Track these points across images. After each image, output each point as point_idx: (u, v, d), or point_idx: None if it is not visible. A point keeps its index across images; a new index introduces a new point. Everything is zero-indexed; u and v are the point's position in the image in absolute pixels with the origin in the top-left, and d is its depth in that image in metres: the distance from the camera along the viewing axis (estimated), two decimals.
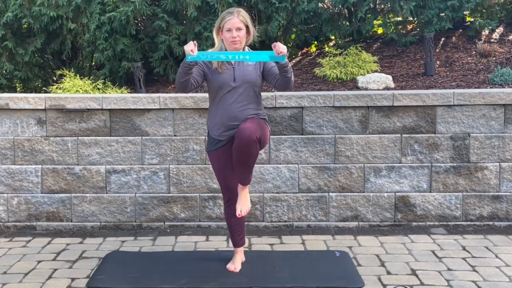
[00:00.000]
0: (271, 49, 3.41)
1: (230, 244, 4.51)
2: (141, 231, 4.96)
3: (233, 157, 3.66)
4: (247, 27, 3.64)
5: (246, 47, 3.73)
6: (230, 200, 3.83)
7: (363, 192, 4.93)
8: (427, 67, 6.08)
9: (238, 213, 3.74)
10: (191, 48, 3.39)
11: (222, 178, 3.83)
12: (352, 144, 4.90)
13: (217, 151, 3.75)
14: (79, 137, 4.95)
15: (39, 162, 4.97)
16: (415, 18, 7.14)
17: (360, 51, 6.43)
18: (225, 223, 4.96)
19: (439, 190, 4.91)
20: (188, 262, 4.10)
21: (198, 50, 3.45)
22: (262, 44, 6.68)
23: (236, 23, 3.58)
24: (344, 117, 4.88)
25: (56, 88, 6.07)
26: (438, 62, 6.43)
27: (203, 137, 4.91)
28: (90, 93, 5.85)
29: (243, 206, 3.75)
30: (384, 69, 6.40)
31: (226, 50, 3.65)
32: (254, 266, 3.98)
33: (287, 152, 4.92)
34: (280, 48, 3.37)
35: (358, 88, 5.75)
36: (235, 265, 3.91)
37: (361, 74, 6.00)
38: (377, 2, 7.20)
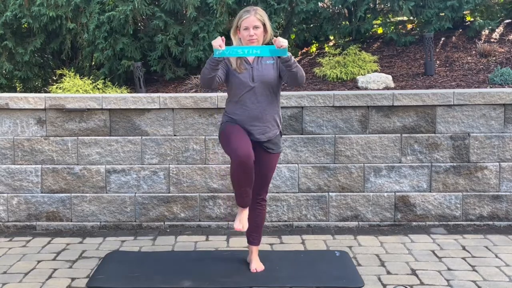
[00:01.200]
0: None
1: (230, 244, 4.52)
2: (141, 231, 4.95)
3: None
4: (264, 25, 3.63)
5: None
6: (237, 159, 3.55)
7: (363, 192, 4.93)
8: (427, 67, 6.08)
9: (252, 270, 3.88)
10: (219, 43, 3.38)
11: (236, 139, 3.57)
12: (352, 144, 4.90)
13: (233, 125, 3.67)
14: (79, 137, 4.95)
15: (39, 162, 4.96)
16: (415, 18, 7.14)
17: (360, 51, 6.43)
18: (225, 222, 4.97)
19: (439, 190, 4.91)
20: (188, 262, 4.10)
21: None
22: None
23: (253, 21, 3.58)
24: (344, 117, 4.88)
25: (56, 88, 6.06)
26: (438, 62, 6.43)
27: (203, 137, 4.91)
28: (90, 93, 5.85)
29: (257, 266, 3.90)
30: (384, 69, 6.40)
31: None
32: None
33: (287, 151, 4.91)
34: (281, 42, 3.37)
35: (358, 88, 5.75)
36: (242, 224, 3.71)
37: (361, 74, 6.00)
38: (377, 2, 7.20)
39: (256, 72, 3.63)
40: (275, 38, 3.41)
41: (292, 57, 3.49)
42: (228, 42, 3.47)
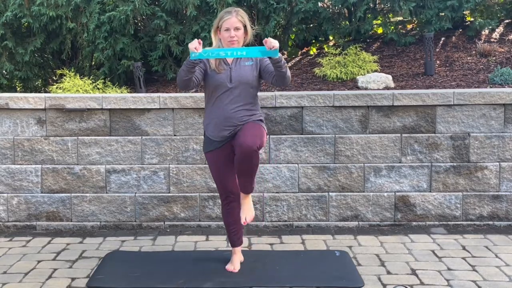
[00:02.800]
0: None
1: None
2: (141, 230, 4.95)
3: (235, 167, 3.68)
4: (245, 26, 3.64)
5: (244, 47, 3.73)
6: (227, 199, 3.83)
7: (363, 191, 4.93)
8: (427, 67, 6.08)
9: (243, 221, 3.77)
10: (195, 45, 3.38)
11: (219, 179, 3.82)
12: (352, 144, 4.89)
13: (213, 152, 3.75)
14: (79, 137, 4.95)
15: (39, 162, 4.96)
16: (415, 18, 7.13)
17: (360, 51, 6.43)
18: None
19: (439, 189, 4.91)
20: (188, 262, 4.10)
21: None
22: (261, 43, 6.69)
23: (234, 23, 3.58)
24: (344, 117, 4.88)
25: (56, 87, 6.06)
26: (438, 62, 6.44)
27: (203, 137, 4.90)
28: (90, 92, 5.85)
29: (247, 214, 3.78)
30: (384, 68, 6.40)
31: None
32: (254, 266, 3.98)
33: (287, 151, 4.91)
34: (272, 42, 3.36)
35: (358, 88, 5.75)
36: (234, 265, 3.91)
37: (361, 74, 6.00)
38: (377, 2, 7.20)
39: (235, 73, 3.63)
40: (266, 39, 3.39)
41: (282, 58, 3.50)
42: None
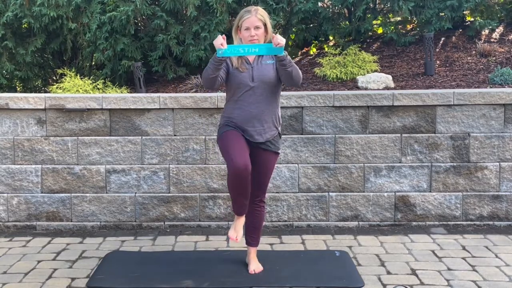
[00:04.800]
0: None
1: (230, 244, 4.52)
2: (141, 231, 4.96)
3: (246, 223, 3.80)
4: (265, 25, 3.61)
5: None
6: (233, 168, 3.52)
7: (363, 192, 4.93)
8: (427, 67, 6.08)
9: (250, 272, 3.86)
10: (220, 42, 3.36)
11: (231, 142, 3.57)
12: (352, 144, 4.90)
13: (230, 131, 3.64)
14: (79, 137, 4.95)
15: (39, 162, 4.97)
16: (414, 18, 7.14)
17: (360, 51, 6.43)
18: (225, 222, 4.97)
19: (439, 190, 4.91)
20: (188, 262, 4.10)
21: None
22: None
23: (254, 22, 3.56)
24: (344, 117, 4.88)
25: (56, 88, 6.07)
26: (438, 62, 6.44)
27: (203, 137, 4.91)
28: (90, 93, 5.86)
29: (255, 267, 3.89)
30: (384, 69, 6.40)
31: None
32: None
33: (287, 151, 4.92)
34: (278, 39, 3.35)
35: (358, 88, 5.75)
36: (237, 233, 3.73)
37: (361, 74, 6.00)
38: (377, 2, 7.20)
39: (256, 72, 3.61)
40: (273, 35, 3.40)
41: (288, 57, 3.48)
42: (229, 42, 3.47)
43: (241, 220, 3.75)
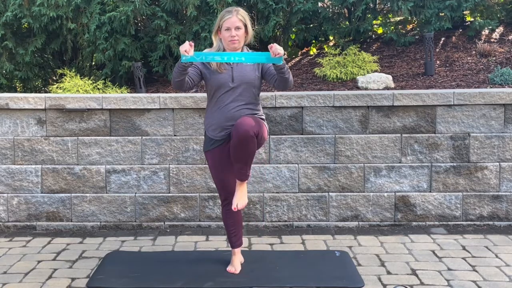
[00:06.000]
0: (267, 49, 3.41)
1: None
2: (141, 231, 4.96)
3: (230, 153, 3.61)
4: (245, 26, 3.62)
5: (245, 47, 3.72)
6: (227, 200, 3.81)
7: (363, 192, 4.93)
8: (427, 67, 6.08)
9: (233, 206, 3.67)
10: (185, 48, 3.37)
11: (218, 178, 3.80)
12: (352, 144, 4.90)
13: (213, 151, 3.74)
14: (79, 137, 4.95)
15: (39, 162, 4.97)
16: (414, 18, 7.14)
17: (359, 51, 6.43)
18: None
19: (439, 190, 4.92)
20: (188, 262, 4.10)
21: (196, 50, 3.44)
22: (261, 43, 6.69)
23: (235, 22, 3.56)
24: (344, 117, 4.88)
25: (56, 88, 6.07)
26: (438, 62, 6.44)
27: (203, 136, 4.90)
28: (90, 93, 5.86)
29: (239, 200, 3.69)
30: (384, 69, 6.40)
31: (224, 49, 3.63)
32: (254, 266, 3.98)
33: (287, 152, 4.92)
34: (278, 49, 3.35)
35: (358, 88, 5.75)
36: (234, 267, 3.90)
37: (361, 74, 6.00)
38: (377, 2, 7.20)
39: (236, 73, 3.62)
40: (271, 45, 3.38)
41: (286, 64, 3.50)
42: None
43: (238, 256, 3.96)
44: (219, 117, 3.66)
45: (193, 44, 3.41)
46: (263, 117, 3.77)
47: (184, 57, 3.38)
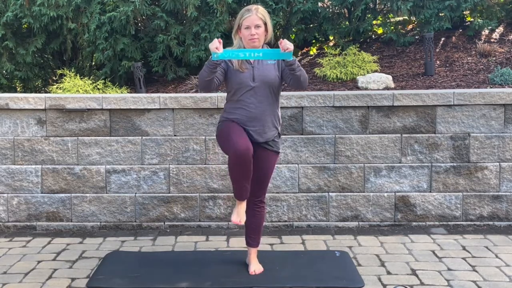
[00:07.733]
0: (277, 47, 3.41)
1: (230, 244, 4.52)
2: (141, 231, 4.96)
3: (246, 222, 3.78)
4: (265, 24, 3.59)
5: (265, 45, 3.69)
6: (236, 150, 3.51)
7: (363, 192, 4.93)
8: (427, 67, 6.08)
9: (251, 272, 3.85)
10: (216, 46, 3.35)
11: (233, 135, 3.55)
12: (352, 144, 4.90)
13: (231, 122, 3.64)
14: (79, 137, 4.95)
15: (39, 162, 4.97)
16: (414, 18, 7.14)
17: (359, 51, 6.43)
18: (225, 223, 4.97)
19: (439, 190, 4.91)
20: (188, 262, 4.10)
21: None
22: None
23: (254, 20, 3.54)
24: (344, 117, 4.88)
25: (56, 88, 6.07)
26: (438, 62, 6.44)
27: (203, 137, 4.91)
28: (90, 93, 5.86)
29: (256, 267, 3.87)
30: (384, 69, 6.40)
31: (245, 48, 3.60)
32: None
33: (287, 152, 4.92)
34: (287, 44, 3.34)
35: (358, 88, 5.75)
36: (240, 217, 3.71)
37: (361, 74, 6.01)
38: (377, 2, 7.20)
39: (257, 72, 3.60)
40: (281, 40, 3.37)
41: (296, 61, 3.47)
42: (228, 42, 3.47)
43: (243, 205, 3.72)
44: (240, 115, 3.62)
45: (221, 41, 3.39)
46: (279, 130, 3.77)
47: (215, 55, 3.36)
